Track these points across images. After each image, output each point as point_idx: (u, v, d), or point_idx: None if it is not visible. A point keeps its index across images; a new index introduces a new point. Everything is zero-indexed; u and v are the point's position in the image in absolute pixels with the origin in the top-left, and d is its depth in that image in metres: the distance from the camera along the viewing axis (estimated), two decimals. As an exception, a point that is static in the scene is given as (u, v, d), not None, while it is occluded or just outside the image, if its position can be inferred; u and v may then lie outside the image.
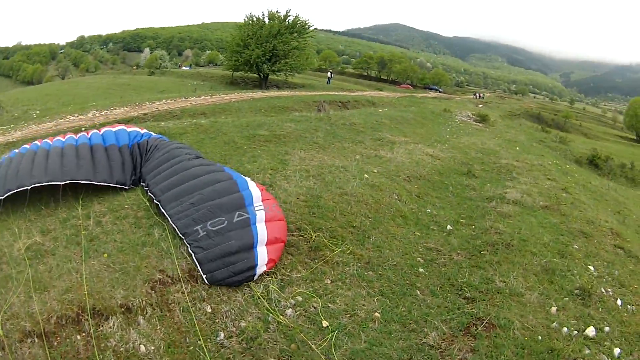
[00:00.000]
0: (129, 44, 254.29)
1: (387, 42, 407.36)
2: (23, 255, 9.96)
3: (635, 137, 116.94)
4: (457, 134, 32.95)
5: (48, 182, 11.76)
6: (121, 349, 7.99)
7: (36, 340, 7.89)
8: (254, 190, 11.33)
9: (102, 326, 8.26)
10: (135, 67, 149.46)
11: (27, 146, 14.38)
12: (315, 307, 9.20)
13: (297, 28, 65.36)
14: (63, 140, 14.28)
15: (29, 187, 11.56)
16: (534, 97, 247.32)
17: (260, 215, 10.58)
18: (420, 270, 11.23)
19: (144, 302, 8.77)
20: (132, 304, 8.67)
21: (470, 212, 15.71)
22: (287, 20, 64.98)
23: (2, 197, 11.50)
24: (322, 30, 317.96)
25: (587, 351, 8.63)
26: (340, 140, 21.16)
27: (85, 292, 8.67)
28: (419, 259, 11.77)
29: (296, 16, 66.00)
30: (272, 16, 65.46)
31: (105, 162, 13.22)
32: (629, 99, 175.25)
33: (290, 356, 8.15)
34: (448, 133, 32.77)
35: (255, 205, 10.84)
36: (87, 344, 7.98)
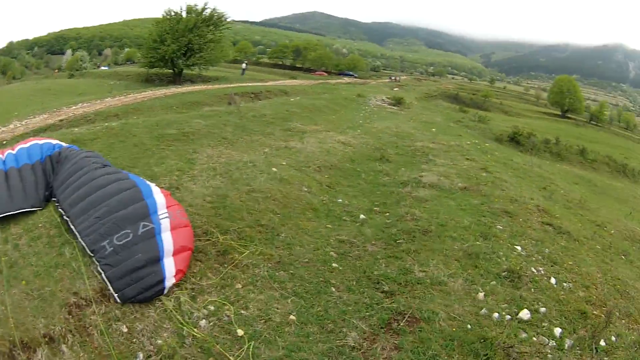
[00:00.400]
0: (53, 46, 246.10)
1: (305, 31, 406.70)
2: None
3: (560, 113, 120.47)
4: (371, 119, 33.34)
5: None
6: None
7: None
8: (158, 196, 10.87)
9: (32, 359, 7.93)
10: (57, 71, 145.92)
11: None
12: (228, 316, 8.86)
13: (214, 20, 66.30)
14: None
15: None
16: (452, 78, 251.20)
17: (165, 224, 10.14)
18: (334, 265, 10.99)
19: (63, 329, 8.37)
20: (53, 332, 8.27)
21: (384, 199, 15.66)
22: (204, 13, 65.44)
23: None
24: (240, 21, 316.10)
25: (523, 335, 8.65)
26: (249, 133, 21.00)
27: (12, 325, 8.27)
28: (331, 253, 11.55)
29: (213, 8, 66.59)
30: (189, 10, 65.90)
31: (19, 186, 12.57)
32: (554, 77, 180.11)
33: (209, 372, 7.87)
34: (361, 118, 33.12)
35: (159, 213, 10.38)
36: None
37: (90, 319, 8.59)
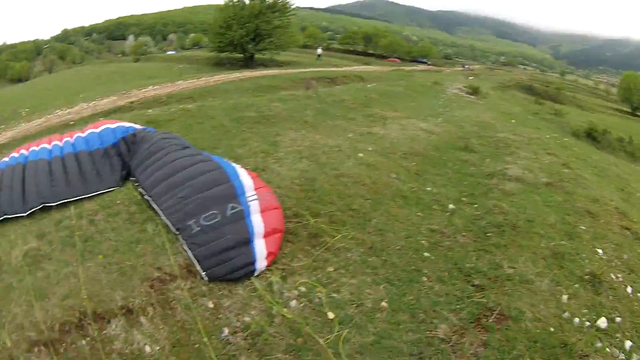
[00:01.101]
0: (113, 32, 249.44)
1: (371, 17, 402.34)
2: (21, 262, 9.76)
3: (630, 110, 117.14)
4: (450, 107, 32.52)
5: (41, 205, 11.53)
6: (126, 350, 7.85)
7: (43, 349, 7.81)
8: (245, 178, 10.94)
9: (105, 329, 8.12)
10: (120, 55, 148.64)
11: (15, 155, 14.15)
12: (319, 298, 8.82)
13: (278, 7, 65.88)
14: (49, 148, 14.02)
15: (25, 215, 11.37)
16: (524, 68, 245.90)
17: (254, 206, 10.19)
18: (426, 254, 10.75)
19: (144, 302, 8.55)
20: (132, 304, 8.46)
21: (472, 190, 15.25)
22: (267, 0, 65.06)
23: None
24: (304, 8, 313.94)
25: (599, 344, 8.43)
26: (331, 118, 20.76)
27: (85, 296, 8.51)
28: (423, 242, 11.29)
29: None
30: None
31: (92, 169, 12.94)
32: (621, 72, 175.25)
33: (297, 351, 7.84)
34: (440, 106, 32.29)
35: (247, 195, 10.44)
36: (93, 348, 7.87)
37: (174, 293, 8.78)
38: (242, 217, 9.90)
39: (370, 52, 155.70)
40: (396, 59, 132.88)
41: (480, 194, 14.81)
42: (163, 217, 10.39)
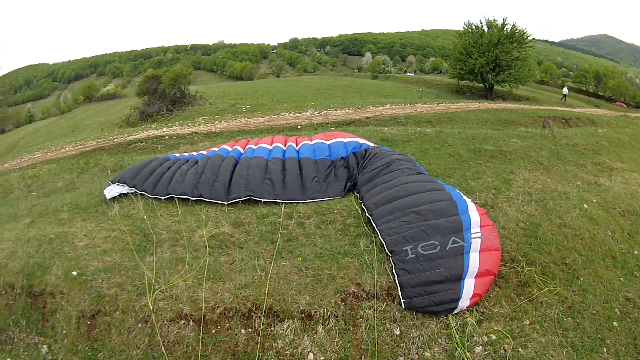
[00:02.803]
0: (348, 47, 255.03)
1: (599, 55, 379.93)
2: (205, 242, 10.35)
3: None
4: (665, 163, 30.12)
5: (247, 197, 12.25)
6: (287, 352, 8.18)
7: (191, 324, 8.35)
8: (474, 214, 10.76)
9: (274, 327, 8.45)
10: (357, 70, 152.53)
11: (227, 148, 15.24)
12: (505, 350, 8.56)
13: (516, 37, 63.47)
14: (269, 148, 14.90)
15: (225, 203, 12.18)
16: None
17: (476, 244, 9.98)
18: (614, 324, 10.13)
19: (329, 312, 8.76)
20: (315, 312, 8.70)
21: (670, 259, 14.15)
22: (505, 29, 63.42)
23: (193, 199, 12.39)
24: (539, 40, 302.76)
25: None
26: (563, 162, 19.70)
27: (266, 291, 8.86)
28: (616, 309, 10.60)
29: (514, 25, 64.06)
30: (490, 24, 64.48)
31: (314, 177, 13.42)
32: None
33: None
34: (658, 161, 29.98)
35: (472, 231, 10.25)
36: (250, 340, 8.32)
37: (365, 312, 8.88)
38: (461, 253, 9.81)
39: (600, 93, 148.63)
40: (622, 104, 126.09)
41: (676, 263, 13.73)
42: (380, 236, 10.46)
